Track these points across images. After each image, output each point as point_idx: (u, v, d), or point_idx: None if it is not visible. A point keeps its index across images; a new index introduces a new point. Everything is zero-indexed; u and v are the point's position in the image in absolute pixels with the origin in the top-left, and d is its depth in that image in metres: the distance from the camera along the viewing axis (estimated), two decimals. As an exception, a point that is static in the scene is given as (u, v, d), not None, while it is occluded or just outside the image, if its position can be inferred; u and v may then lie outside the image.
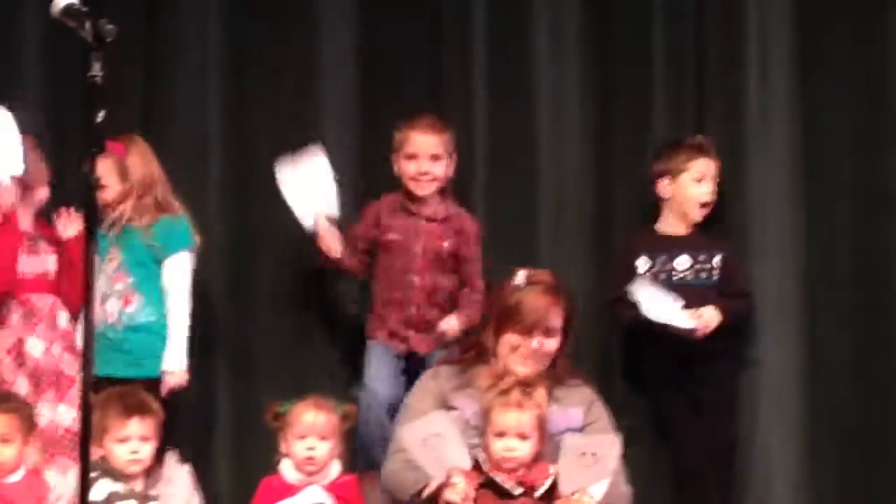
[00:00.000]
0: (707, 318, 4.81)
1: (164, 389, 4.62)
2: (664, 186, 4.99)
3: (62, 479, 4.42)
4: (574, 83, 5.28)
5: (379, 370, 4.81)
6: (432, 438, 4.06)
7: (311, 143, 4.94)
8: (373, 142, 5.18)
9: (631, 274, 4.90)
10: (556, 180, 5.26)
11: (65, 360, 4.68)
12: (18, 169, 4.55)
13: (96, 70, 3.17)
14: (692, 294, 4.85)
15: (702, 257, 4.95)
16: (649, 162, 5.09)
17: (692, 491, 4.84)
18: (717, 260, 4.96)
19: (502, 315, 4.32)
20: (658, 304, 4.77)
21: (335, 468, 4.36)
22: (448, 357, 4.56)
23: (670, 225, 5.01)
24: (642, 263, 4.92)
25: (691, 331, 4.77)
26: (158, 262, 4.77)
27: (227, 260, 5.19)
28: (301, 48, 5.31)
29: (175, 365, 4.68)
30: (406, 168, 4.90)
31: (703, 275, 4.94)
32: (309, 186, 4.85)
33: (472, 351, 4.38)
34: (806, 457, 5.10)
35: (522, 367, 4.26)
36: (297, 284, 5.22)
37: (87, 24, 3.17)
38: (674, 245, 4.96)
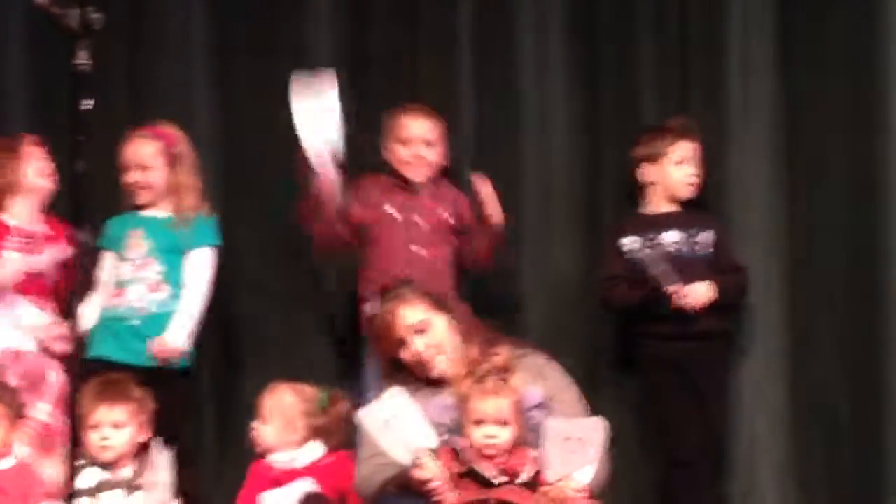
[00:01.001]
0: (700, 293, 4.81)
1: (159, 356, 4.59)
2: (646, 171, 5.00)
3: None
4: (559, 70, 5.28)
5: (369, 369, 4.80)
6: (393, 420, 4.02)
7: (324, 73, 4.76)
8: (360, 130, 5.17)
9: (618, 254, 4.91)
10: (542, 167, 5.27)
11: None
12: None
13: (83, 58, 3.17)
14: (685, 267, 4.85)
15: (692, 230, 4.95)
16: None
17: (685, 479, 4.83)
18: (707, 234, 4.96)
19: (381, 346, 4.34)
20: (657, 269, 4.79)
21: (313, 450, 4.36)
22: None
23: (658, 206, 5.01)
24: (629, 242, 4.92)
25: (682, 305, 4.78)
26: (183, 254, 4.76)
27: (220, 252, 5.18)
28: (286, 34, 5.30)
29: (175, 339, 4.63)
30: (399, 153, 4.90)
31: (697, 248, 4.94)
32: (319, 119, 4.63)
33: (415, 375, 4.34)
34: (792, 442, 5.11)
35: (436, 370, 4.22)
36: (287, 272, 5.22)
37: (74, 12, 3.17)
38: (662, 222, 4.96)
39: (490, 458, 4.01)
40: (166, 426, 4.42)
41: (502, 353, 4.18)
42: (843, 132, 5.13)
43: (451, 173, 5.06)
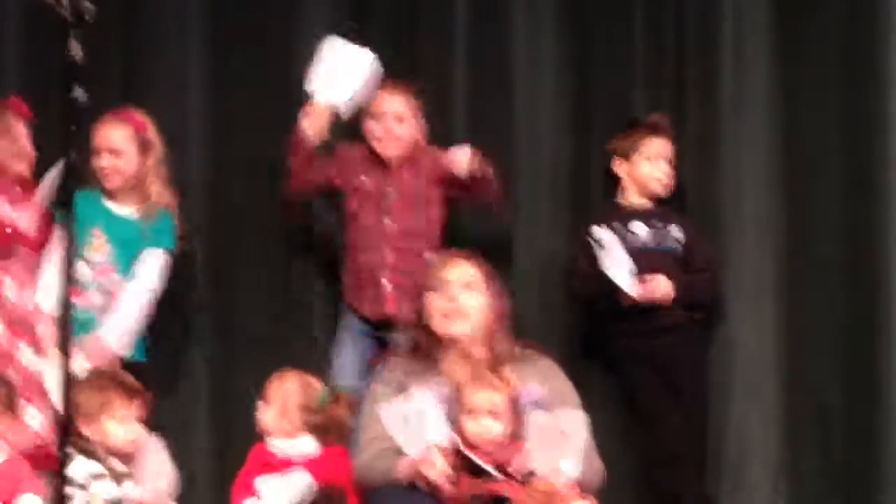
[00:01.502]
0: (654, 285, 4.82)
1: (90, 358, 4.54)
2: (617, 166, 5.04)
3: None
4: (551, 59, 5.29)
5: (346, 358, 4.82)
6: (414, 416, 4.05)
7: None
8: (355, 119, 5.17)
9: (585, 243, 4.91)
10: (533, 155, 5.27)
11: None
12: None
13: (75, 49, 3.17)
14: (654, 260, 4.87)
15: (660, 224, 4.97)
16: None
17: (670, 475, 4.84)
18: (675, 229, 4.98)
19: (425, 287, 4.35)
20: (612, 258, 4.79)
21: (305, 443, 4.37)
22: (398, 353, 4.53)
23: (630, 200, 5.04)
24: (596, 230, 4.91)
25: (633, 296, 4.79)
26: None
27: (208, 238, 5.18)
28: (282, 25, 5.29)
29: (106, 341, 4.61)
30: (372, 128, 4.89)
31: (668, 243, 4.96)
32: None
33: (420, 346, 4.36)
34: (784, 438, 5.12)
35: (454, 327, 4.26)
36: (280, 261, 5.22)
37: (66, 2, 3.16)
38: (631, 215, 4.99)
39: (484, 450, 4.02)
40: None
41: (502, 350, 4.19)
42: (839, 127, 5.14)
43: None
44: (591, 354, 5.09)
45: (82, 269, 4.67)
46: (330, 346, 5.00)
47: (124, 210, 4.78)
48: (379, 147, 4.88)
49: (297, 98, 5.09)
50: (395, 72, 5.09)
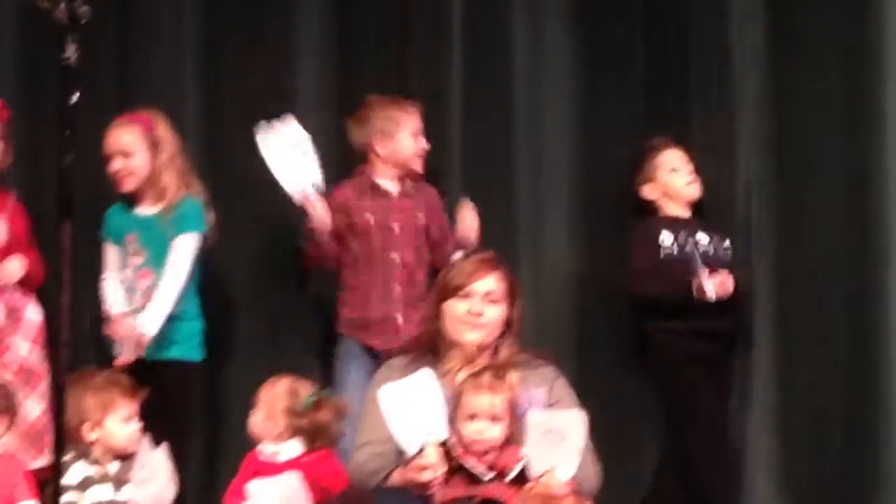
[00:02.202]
0: (724, 281, 4.92)
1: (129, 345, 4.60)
2: (648, 191, 5.14)
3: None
4: (557, 63, 5.28)
5: (349, 375, 4.82)
6: (414, 403, 4.00)
7: (284, 116, 4.84)
8: (350, 116, 5.16)
9: (656, 248, 5.00)
10: (534, 157, 5.28)
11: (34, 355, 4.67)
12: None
13: (70, 52, 3.15)
14: (713, 270, 4.96)
15: (717, 237, 5.08)
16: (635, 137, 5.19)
17: (719, 479, 4.93)
18: (728, 243, 5.10)
19: (443, 286, 4.33)
20: (697, 262, 4.92)
21: (291, 447, 4.34)
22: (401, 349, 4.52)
23: (676, 211, 5.14)
24: (666, 237, 5.03)
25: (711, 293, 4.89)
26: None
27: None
28: (277, 26, 5.29)
29: (144, 326, 4.64)
30: (410, 146, 4.90)
31: (721, 253, 5.06)
32: (291, 156, 4.72)
33: (423, 341, 4.35)
34: (780, 440, 5.13)
35: (469, 335, 4.24)
36: (274, 267, 5.21)
37: (62, 6, 3.15)
38: (689, 225, 5.09)
39: (480, 453, 4.01)
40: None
41: (506, 354, 4.20)
42: (835, 128, 5.14)
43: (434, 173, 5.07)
44: (599, 359, 5.11)
45: (126, 273, 4.75)
46: (324, 349, 5.00)
47: (148, 211, 4.79)
48: (415, 164, 4.91)
49: (292, 98, 5.10)
50: (387, 71, 5.10)
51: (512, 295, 4.30)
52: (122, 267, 4.79)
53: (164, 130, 4.78)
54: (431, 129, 5.02)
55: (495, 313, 4.27)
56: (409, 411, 4.00)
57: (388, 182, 4.92)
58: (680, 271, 4.94)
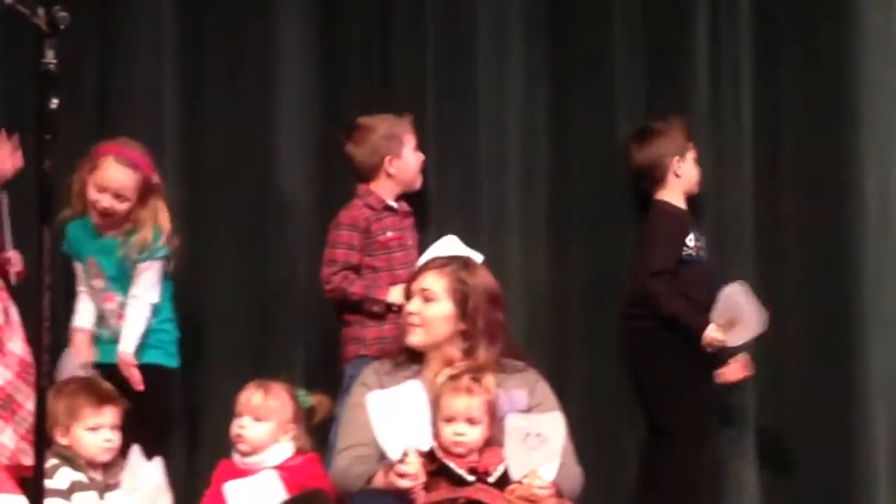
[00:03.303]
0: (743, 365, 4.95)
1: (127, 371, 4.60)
2: (677, 165, 4.97)
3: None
4: (521, 72, 5.29)
5: None
6: (400, 410, 4.01)
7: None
8: (331, 123, 5.17)
9: (680, 247, 4.91)
10: (502, 164, 5.27)
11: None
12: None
13: (50, 57, 3.15)
14: (702, 271, 4.92)
15: (698, 232, 5.01)
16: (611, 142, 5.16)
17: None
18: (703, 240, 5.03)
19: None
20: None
21: (280, 451, 4.34)
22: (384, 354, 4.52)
23: (682, 202, 5.03)
24: (693, 236, 4.95)
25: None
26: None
27: (181, 243, 5.16)
28: (257, 33, 5.29)
29: (127, 351, 4.65)
30: (411, 160, 4.92)
31: (702, 253, 4.99)
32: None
33: (403, 351, 4.36)
34: (758, 433, 5.14)
35: (410, 337, 4.26)
36: (255, 267, 5.21)
37: (41, 11, 3.15)
38: (692, 221, 5.01)
39: (460, 456, 4.01)
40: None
41: (482, 355, 4.19)
42: (812, 129, 5.16)
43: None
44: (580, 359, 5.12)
45: (96, 299, 4.75)
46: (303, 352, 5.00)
47: (108, 235, 4.76)
48: (419, 181, 4.93)
49: (272, 104, 5.10)
50: (368, 71, 5.10)
51: (459, 293, 4.27)
52: (86, 283, 4.78)
53: (157, 176, 4.78)
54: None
55: (432, 311, 4.26)
56: (395, 419, 4.00)
57: (393, 200, 4.93)
58: (697, 283, 4.87)
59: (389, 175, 4.89)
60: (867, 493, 5.03)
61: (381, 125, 4.91)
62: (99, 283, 4.75)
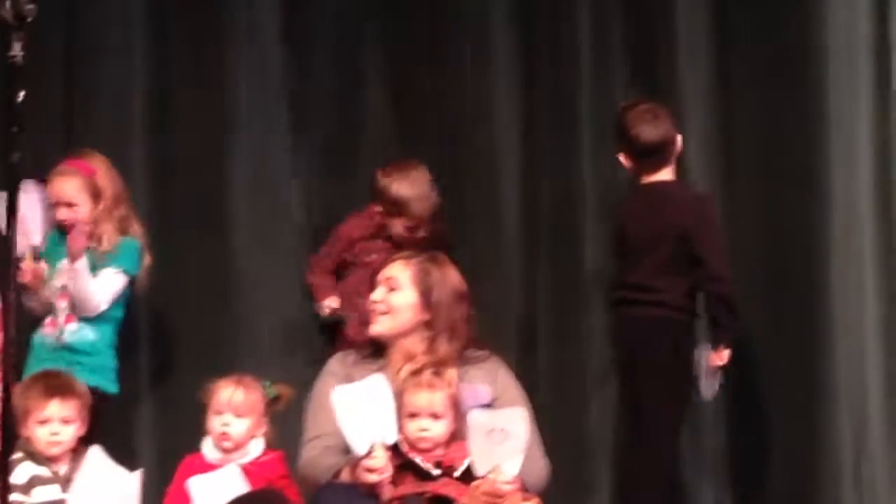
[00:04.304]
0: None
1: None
2: (678, 141, 4.81)
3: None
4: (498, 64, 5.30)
5: None
6: (365, 405, 4.01)
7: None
8: (302, 114, 5.18)
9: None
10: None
11: None
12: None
13: (16, 50, 3.14)
14: None
15: None
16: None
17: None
18: None
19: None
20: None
21: (256, 446, 4.34)
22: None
23: None
24: None
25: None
26: None
27: (151, 241, 5.15)
28: (230, 24, 5.30)
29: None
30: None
31: None
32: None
33: (368, 344, 4.37)
34: (723, 432, 5.17)
35: (373, 327, 4.28)
36: (224, 266, 5.20)
37: (7, 3, 3.14)
38: None
39: (425, 450, 4.02)
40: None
41: (444, 349, 4.20)
42: (776, 126, 5.17)
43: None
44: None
45: (52, 295, 4.73)
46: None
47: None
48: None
49: (242, 98, 5.10)
50: (344, 61, 5.11)
51: (423, 284, 4.29)
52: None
53: (104, 177, 4.77)
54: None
55: (396, 300, 4.27)
56: (361, 413, 4.00)
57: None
58: None
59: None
60: (832, 489, 5.06)
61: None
62: (60, 281, 4.73)
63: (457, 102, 5.34)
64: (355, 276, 4.98)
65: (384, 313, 4.28)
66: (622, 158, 4.79)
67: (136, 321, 5.09)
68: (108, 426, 4.66)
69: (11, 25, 3.14)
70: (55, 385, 4.28)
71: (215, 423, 4.31)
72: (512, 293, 5.27)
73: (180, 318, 5.21)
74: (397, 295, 4.28)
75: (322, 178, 5.35)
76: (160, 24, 5.28)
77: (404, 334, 4.26)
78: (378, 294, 4.29)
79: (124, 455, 4.47)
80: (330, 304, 5.06)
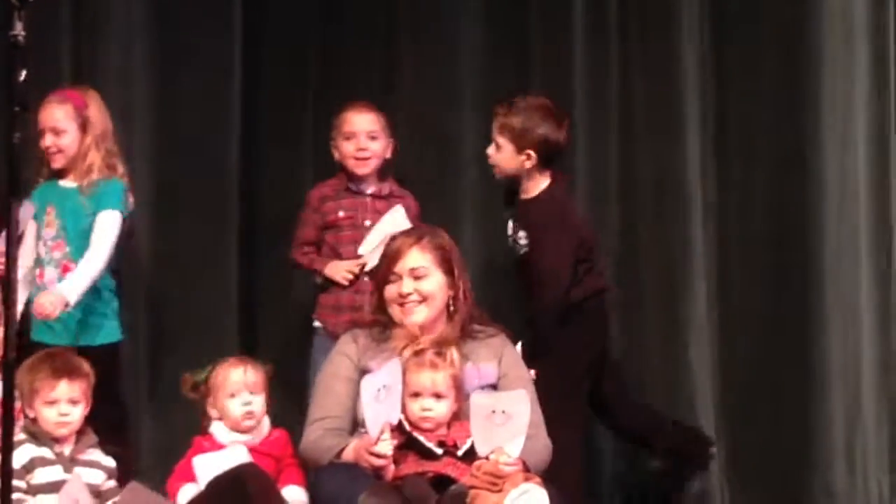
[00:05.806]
0: None
1: (37, 310, 4.52)
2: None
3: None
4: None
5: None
6: (384, 390, 4.03)
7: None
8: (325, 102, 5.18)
9: None
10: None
11: None
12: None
13: (18, 29, 3.14)
14: None
15: None
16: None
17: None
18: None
19: (378, 274, 4.39)
20: None
21: (266, 424, 4.35)
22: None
23: None
24: None
25: None
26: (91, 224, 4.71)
27: (151, 221, 5.17)
28: (229, 7, 5.29)
29: (62, 291, 4.57)
30: (345, 148, 4.94)
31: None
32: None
33: (374, 326, 4.37)
34: (717, 410, 5.17)
35: (409, 317, 4.26)
36: (223, 247, 5.21)
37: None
38: None
39: (428, 430, 4.03)
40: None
41: (450, 330, 4.21)
42: (771, 108, 5.19)
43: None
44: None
45: (40, 247, 4.71)
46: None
47: (70, 184, 4.76)
48: (353, 165, 4.94)
49: (242, 72, 5.10)
50: (335, 61, 5.12)
51: (447, 262, 4.30)
52: (36, 238, 4.76)
53: (95, 110, 4.77)
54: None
55: (428, 286, 4.28)
56: (380, 400, 4.02)
57: (360, 182, 4.98)
58: None
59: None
60: (824, 470, 5.06)
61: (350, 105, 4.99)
62: (50, 231, 4.71)
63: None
64: (332, 236, 4.95)
65: (420, 302, 4.27)
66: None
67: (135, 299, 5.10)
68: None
69: (14, 5, 3.14)
70: (62, 365, 4.28)
71: (233, 404, 4.30)
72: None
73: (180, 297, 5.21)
74: (427, 282, 4.28)
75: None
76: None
77: (440, 316, 4.28)
78: (407, 286, 4.27)
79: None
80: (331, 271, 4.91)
